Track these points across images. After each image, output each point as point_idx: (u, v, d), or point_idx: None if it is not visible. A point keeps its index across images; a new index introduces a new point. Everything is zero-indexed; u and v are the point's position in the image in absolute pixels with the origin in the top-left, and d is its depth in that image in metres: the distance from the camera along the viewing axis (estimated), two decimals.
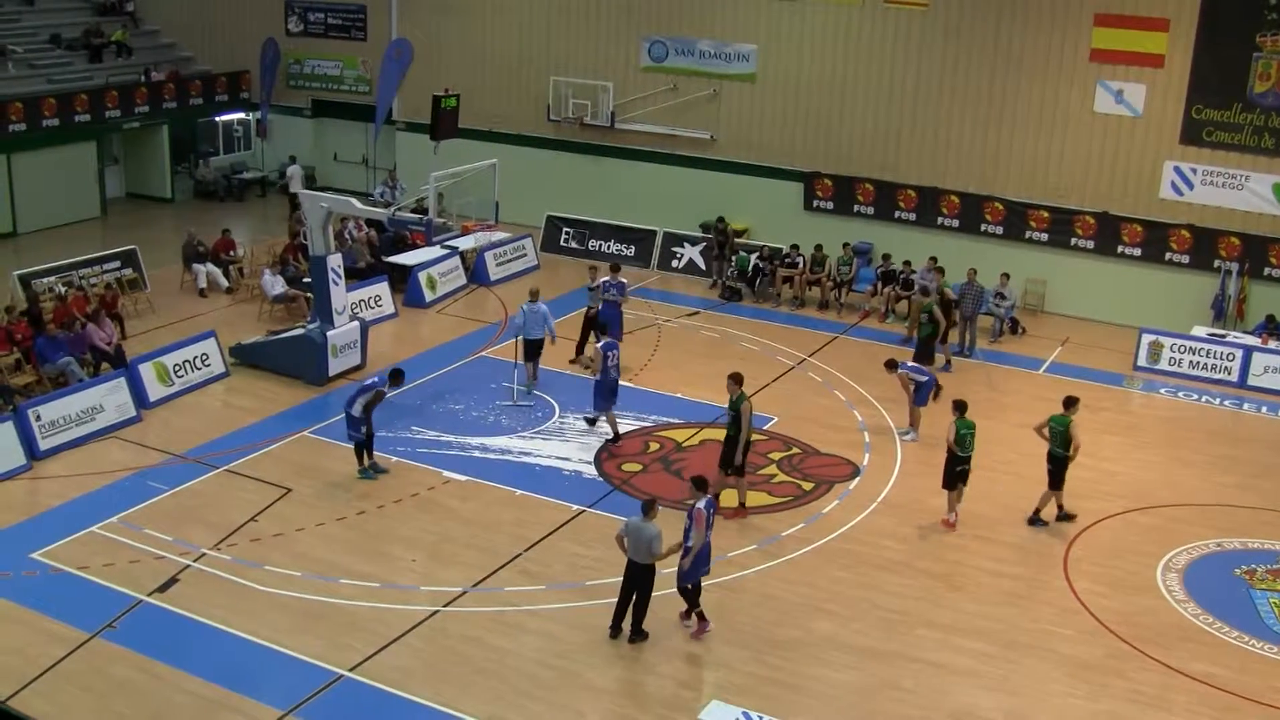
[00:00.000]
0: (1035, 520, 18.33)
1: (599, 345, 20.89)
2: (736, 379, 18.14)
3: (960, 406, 18.19)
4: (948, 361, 24.68)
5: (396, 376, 19.41)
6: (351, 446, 19.19)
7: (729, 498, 18.55)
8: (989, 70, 28.59)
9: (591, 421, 21.14)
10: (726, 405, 18.33)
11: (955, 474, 18.14)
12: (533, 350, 22.60)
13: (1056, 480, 18.24)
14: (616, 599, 15.01)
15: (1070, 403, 18.34)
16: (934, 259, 27.34)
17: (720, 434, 20.84)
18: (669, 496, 18.61)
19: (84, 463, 19.29)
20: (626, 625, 14.96)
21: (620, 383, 20.92)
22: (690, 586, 15.04)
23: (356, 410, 18.76)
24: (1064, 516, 18.41)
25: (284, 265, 27.28)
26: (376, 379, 19.38)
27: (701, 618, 15.10)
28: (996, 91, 28.63)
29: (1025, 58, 28.17)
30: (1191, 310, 26.98)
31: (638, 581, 14.74)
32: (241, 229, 32.04)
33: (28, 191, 32.12)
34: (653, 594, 14.85)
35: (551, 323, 22.71)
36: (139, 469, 19.16)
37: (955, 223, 29.46)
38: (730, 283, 29.20)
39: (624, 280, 24.31)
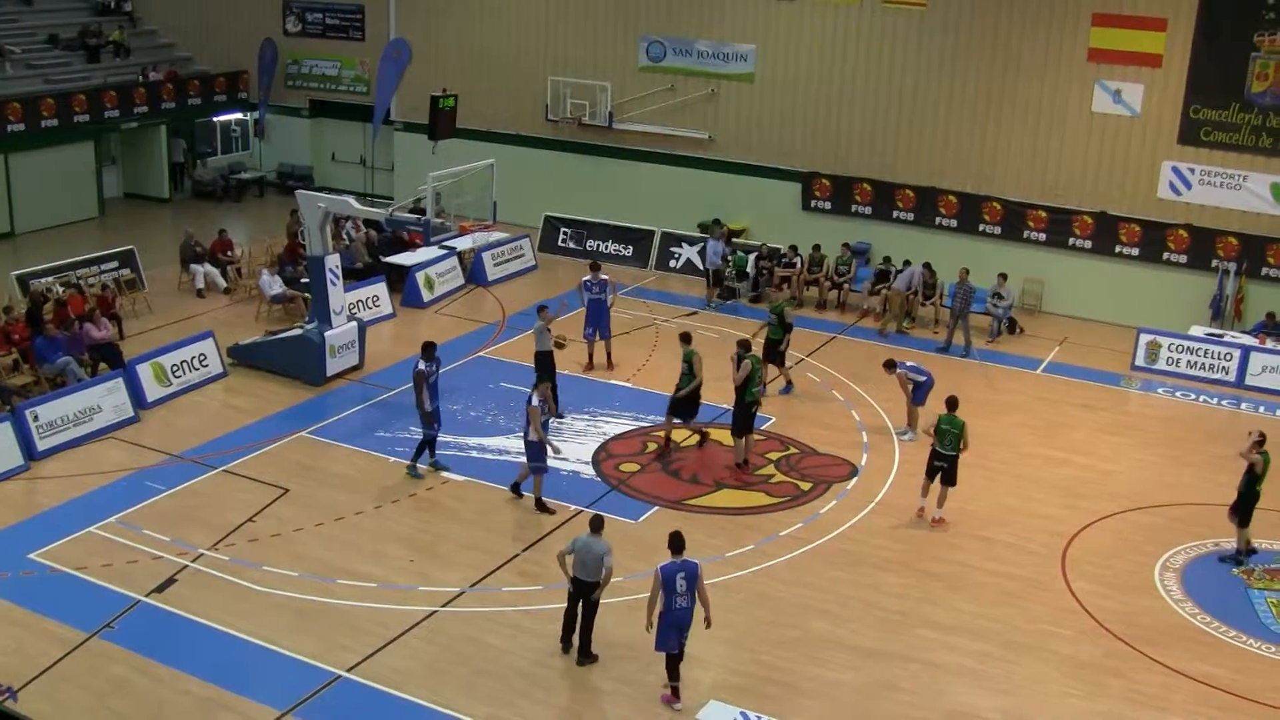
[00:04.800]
0: (1237, 558, 17.59)
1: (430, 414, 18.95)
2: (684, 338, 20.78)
3: (950, 403, 18.31)
4: (789, 383, 23.03)
5: (426, 350, 19.13)
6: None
7: (729, 498, 18.67)
8: (987, 70, 28.60)
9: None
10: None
11: (934, 468, 18.26)
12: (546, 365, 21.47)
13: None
14: (564, 617, 14.73)
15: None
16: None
17: (718, 434, 20.99)
18: (667, 496, 18.66)
19: (82, 463, 19.29)
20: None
21: (624, 385, 20.71)
22: (667, 654, 13.80)
23: (423, 407, 18.80)
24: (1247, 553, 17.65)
25: (282, 266, 27.27)
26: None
27: (674, 693, 13.82)
28: (994, 91, 28.64)
29: (1023, 57, 28.18)
30: (1189, 310, 26.99)
31: (585, 599, 14.41)
32: (239, 229, 32.02)
33: (26, 191, 32.10)
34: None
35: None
36: (137, 469, 19.16)
37: (953, 223, 29.48)
38: (729, 283, 29.21)
39: (606, 277, 24.03)
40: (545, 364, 21.15)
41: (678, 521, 17.53)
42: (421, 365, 18.87)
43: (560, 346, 21.46)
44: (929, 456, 18.41)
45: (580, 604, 14.46)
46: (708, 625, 13.78)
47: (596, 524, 14.36)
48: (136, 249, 27.99)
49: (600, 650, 14.68)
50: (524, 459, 18.32)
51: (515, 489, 18.50)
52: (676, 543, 13.69)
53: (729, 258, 29.03)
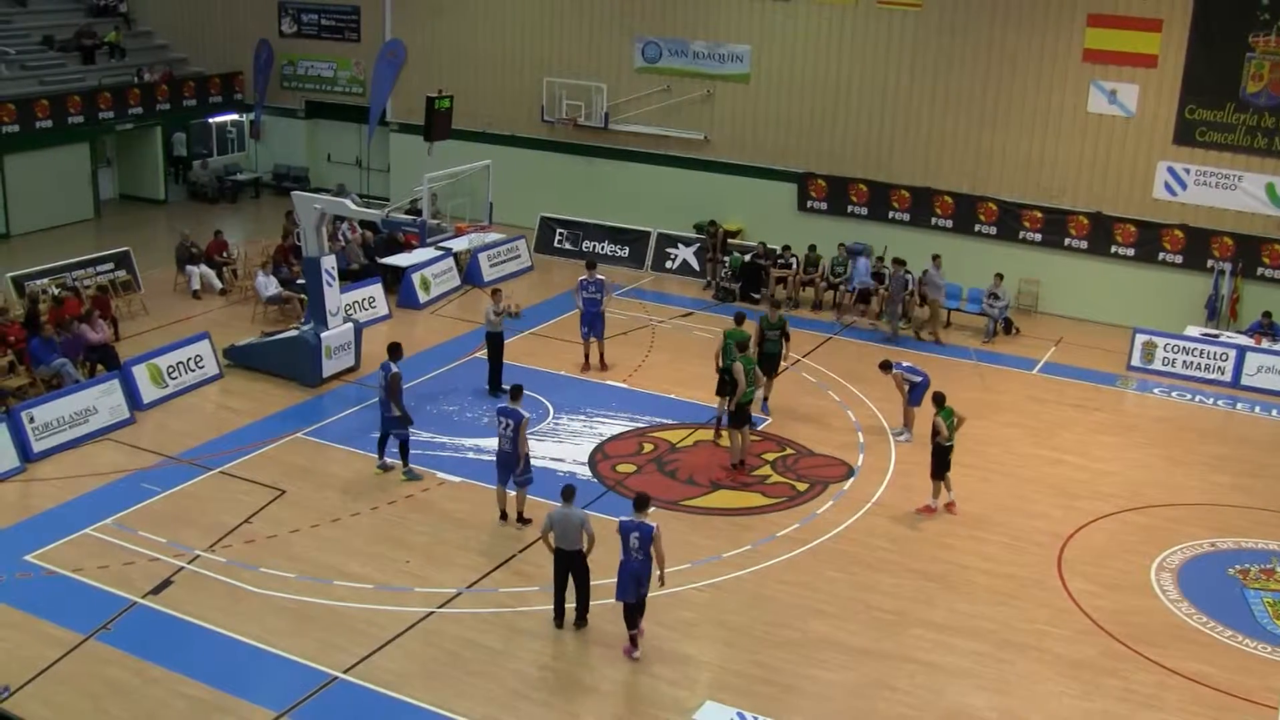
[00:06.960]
0: None
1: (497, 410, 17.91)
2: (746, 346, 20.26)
3: (940, 399, 18.58)
4: (765, 399, 21.94)
5: (392, 351, 19.05)
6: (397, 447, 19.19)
7: (726, 499, 18.67)
8: (983, 70, 28.63)
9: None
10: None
11: (947, 463, 18.39)
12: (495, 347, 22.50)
13: None
14: (554, 591, 15.19)
15: None
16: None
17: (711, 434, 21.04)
18: (663, 497, 18.65)
19: (78, 465, 19.27)
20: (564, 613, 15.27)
21: (620, 386, 20.74)
22: (626, 604, 14.62)
23: (391, 411, 18.76)
24: None
25: (277, 267, 27.25)
26: (381, 371, 19.00)
27: (633, 642, 14.68)
28: (990, 92, 28.66)
29: (1019, 58, 28.20)
30: (1185, 310, 27.02)
31: (572, 567, 14.91)
32: (235, 230, 32.01)
33: (21, 193, 32.08)
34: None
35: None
36: (133, 471, 19.13)
37: (949, 223, 29.50)
38: (724, 283, 29.22)
39: (602, 278, 23.95)
40: (494, 346, 22.39)
41: (674, 522, 17.59)
42: (395, 368, 18.83)
43: (514, 315, 22.32)
44: (940, 454, 18.38)
45: (569, 575, 14.97)
46: (661, 584, 14.58)
47: (568, 494, 14.90)
48: (132, 250, 28.00)
49: (596, 651, 14.73)
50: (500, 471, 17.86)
51: (520, 518, 17.94)
52: (639, 502, 14.52)
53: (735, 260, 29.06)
